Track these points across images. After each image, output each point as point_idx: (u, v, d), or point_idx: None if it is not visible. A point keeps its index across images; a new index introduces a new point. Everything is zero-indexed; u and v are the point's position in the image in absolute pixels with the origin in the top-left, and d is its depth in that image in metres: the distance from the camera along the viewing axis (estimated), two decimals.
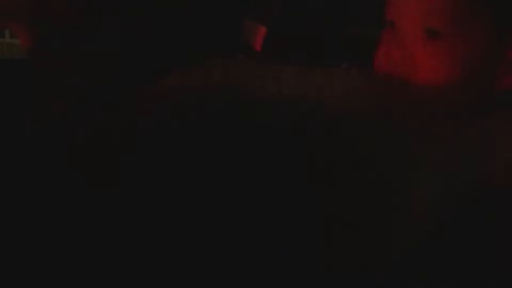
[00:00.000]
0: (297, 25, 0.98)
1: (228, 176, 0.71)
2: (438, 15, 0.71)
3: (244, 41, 0.98)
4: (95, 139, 0.79)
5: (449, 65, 0.72)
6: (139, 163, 0.78)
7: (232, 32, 0.97)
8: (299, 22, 0.98)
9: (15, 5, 0.80)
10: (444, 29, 0.72)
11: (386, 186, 0.63)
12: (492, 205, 0.62)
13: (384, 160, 0.63)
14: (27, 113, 0.89)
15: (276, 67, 0.73)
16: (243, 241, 0.74)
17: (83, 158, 0.79)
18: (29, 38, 0.84)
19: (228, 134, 0.69)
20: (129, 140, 0.78)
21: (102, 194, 0.80)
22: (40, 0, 0.80)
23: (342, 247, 0.68)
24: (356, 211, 0.65)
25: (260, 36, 0.99)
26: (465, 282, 0.62)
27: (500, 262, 0.62)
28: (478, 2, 0.73)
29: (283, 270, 0.74)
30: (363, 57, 0.81)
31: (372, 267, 0.64)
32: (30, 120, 0.88)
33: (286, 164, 0.68)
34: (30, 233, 0.81)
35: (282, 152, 0.67)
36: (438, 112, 0.67)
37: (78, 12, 0.81)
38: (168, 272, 0.80)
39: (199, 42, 0.88)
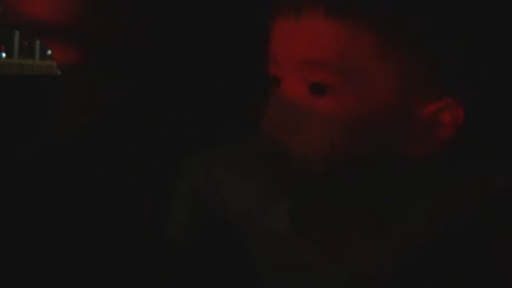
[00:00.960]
0: None
1: None
2: (324, 68, 0.61)
3: None
4: None
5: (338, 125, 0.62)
6: None
7: None
8: None
9: (58, 23, 0.86)
10: (332, 83, 0.61)
11: None
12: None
13: None
14: (49, 125, 0.95)
15: None
16: None
17: None
18: (66, 55, 0.90)
19: None
20: None
21: None
22: (79, 18, 0.86)
23: None
24: None
25: None
26: None
27: None
28: (368, 53, 0.62)
29: None
30: None
31: None
32: (50, 132, 0.94)
33: None
34: None
35: None
36: None
37: (113, 30, 0.88)
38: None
39: None
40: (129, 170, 0.88)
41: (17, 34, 9.78)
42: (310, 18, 0.61)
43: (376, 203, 0.67)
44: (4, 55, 11.42)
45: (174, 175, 0.86)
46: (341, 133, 0.62)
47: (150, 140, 0.89)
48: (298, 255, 0.71)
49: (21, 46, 10.90)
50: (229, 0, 0.97)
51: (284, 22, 0.63)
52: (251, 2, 0.87)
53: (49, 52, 0.98)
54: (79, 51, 0.90)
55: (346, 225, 0.69)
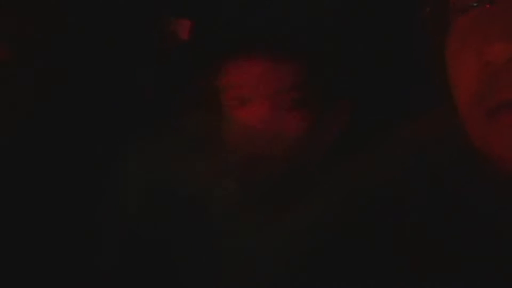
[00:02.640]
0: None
1: None
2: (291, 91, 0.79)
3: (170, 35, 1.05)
4: None
5: (308, 135, 0.80)
6: None
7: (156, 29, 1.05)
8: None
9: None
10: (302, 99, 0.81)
11: None
12: None
13: None
14: None
15: None
16: None
17: None
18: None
19: None
20: None
21: None
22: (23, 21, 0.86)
23: None
24: None
25: (186, 29, 1.02)
26: None
27: None
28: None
29: None
30: None
31: None
32: None
33: None
34: None
35: None
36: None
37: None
38: None
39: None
40: (61, 168, 0.89)
41: None
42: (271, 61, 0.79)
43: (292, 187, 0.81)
44: None
45: (110, 171, 0.89)
46: (297, 139, 0.79)
47: (82, 137, 0.91)
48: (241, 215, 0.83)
49: None
50: None
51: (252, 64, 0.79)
52: None
53: None
54: (8, 49, 0.89)
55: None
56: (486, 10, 0.59)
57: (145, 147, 0.87)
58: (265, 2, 0.85)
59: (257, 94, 0.79)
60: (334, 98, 0.82)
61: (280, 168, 0.80)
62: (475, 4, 0.59)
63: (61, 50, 0.91)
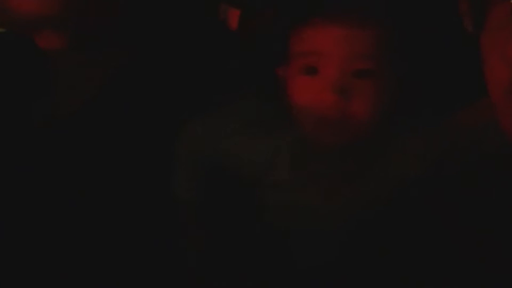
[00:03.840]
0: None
1: None
2: (364, 58, 0.80)
3: (222, 22, 1.09)
4: None
5: (376, 101, 0.81)
6: None
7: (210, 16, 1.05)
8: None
9: (51, 10, 0.88)
10: (373, 68, 0.81)
11: None
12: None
13: None
14: (40, 108, 0.96)
15: None
16: None
17: None
18: (58, 41, 0.92)
19: None
20: None
21: None
22: (73, 5, 0.88)
23: None
24: None
25: (235, 18, 1.05)
26: None
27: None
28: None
29: None
30: None
31: None
32: (43, 114, 0.95)
33: None
34: None
35: None
36: None
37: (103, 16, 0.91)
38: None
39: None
40: (130, 142, 0.92)
41: None
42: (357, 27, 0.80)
43: (358, 154, 0.85)
44: None
45: (175, 142, 0.91)
46: (375, 104, 0.81)
47: (147, 110, 0.93)
48: (301, 199, 0.86)
49: None
50: None
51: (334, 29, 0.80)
52: None
53: None
54: (67, 37, 0.92)
55: (333, 172, 0.86)
56: None
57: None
58: None
59: (328, 62, 0.81)
60: (399, 75, 0.83)
61: (348, 134, 0.82)
62: None
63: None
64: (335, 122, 0.81)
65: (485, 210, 0.72)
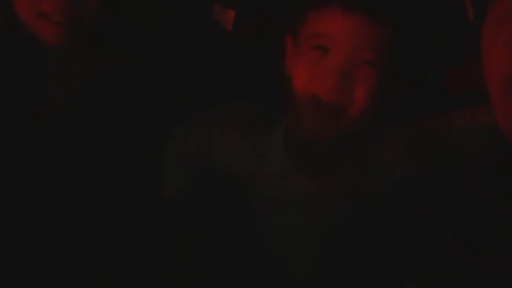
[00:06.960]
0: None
1: None
2: (373, 50, 0.82)
3: (216, 23, 1.10)
4: None
5: (374, 93, 0.83)
6: None
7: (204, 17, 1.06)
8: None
9: (53, 6, 0.86)
10: (377, 60, 0.83)
11: None
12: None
13: None
14: (29, 103, 0.95)
15: None
16: None
17: None
18: (58, 37, 0.89)
19: None
20: None
21: None
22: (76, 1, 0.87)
23: None
24: None
25: (230, 19, 1.06)
26: None
27: None
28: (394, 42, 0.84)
29: None
30: None
31: None
32: (33, 110, 0.94)
33: None
34: None
35: None
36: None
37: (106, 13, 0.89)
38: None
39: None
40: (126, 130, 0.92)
41: None
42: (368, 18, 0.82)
43: (348, 142, 0.87)
44: None
45: (166, 140, 0.92)
46: (373, 96, 0.83)
47: (142, 105, 0.93)
48: (292, 185, 0.89)
49: None
50: None
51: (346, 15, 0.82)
52: None
53: None
54: (75, 34, 0.90)
55: (324, 158, 0.88)
56: None
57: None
58: None
59: (339, 46, 0.82)
60: (403, 75, 0.85)
61: (340, 122, 0.83)
62: None
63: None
64: (331, 105, 0.82)
65: (470, 211, 0.72)
